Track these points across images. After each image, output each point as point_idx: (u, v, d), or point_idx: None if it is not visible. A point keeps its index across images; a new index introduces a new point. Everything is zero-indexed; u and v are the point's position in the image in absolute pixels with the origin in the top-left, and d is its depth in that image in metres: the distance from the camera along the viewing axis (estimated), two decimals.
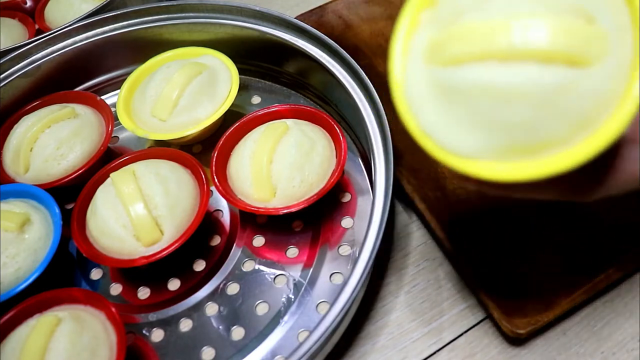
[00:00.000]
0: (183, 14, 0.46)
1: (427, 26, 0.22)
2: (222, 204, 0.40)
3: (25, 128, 0.40)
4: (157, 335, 0.35)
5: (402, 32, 0.23)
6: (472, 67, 0.19)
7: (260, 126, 0.39)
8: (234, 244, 0.38)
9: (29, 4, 0.58)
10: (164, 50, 0.45)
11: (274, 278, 0.36)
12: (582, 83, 0.18)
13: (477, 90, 0.19)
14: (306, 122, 0.39)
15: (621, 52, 0.19)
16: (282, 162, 0.35)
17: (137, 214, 0.34)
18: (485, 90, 0.19)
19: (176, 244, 0.34)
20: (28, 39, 0.50)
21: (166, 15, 0.46)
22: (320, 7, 0.52)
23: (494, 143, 0.20)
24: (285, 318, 0.34)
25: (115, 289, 0.37)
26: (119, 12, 0.46)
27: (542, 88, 0.18)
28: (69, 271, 0.38)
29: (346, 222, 0.38)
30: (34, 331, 0.30)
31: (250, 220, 0.39)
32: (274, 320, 0.34)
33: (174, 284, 0.37)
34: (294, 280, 0.36)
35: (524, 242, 0.35)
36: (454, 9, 0.21)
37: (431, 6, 0.23)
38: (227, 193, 0.36)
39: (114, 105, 0.43)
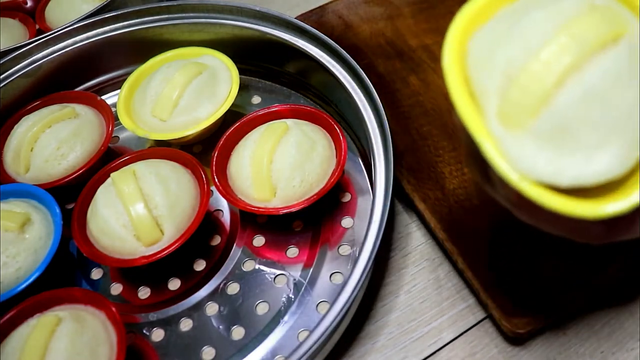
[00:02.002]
0: (183, 14, 0.46)
1: (485, 110, 0.21)
2: (223, 204, 0.41)
3: (26, 128, 0.40)
4: (157, 335, 0.35)
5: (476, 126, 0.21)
6: (562, 93, 0.19)
7: (261, 126, 0.39)
8: (234, 244, 0.38)
9: (29, 4, 0.58)
10: (164, 50, 0.45)
11: (274, 278, 0.36)
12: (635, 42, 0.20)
13: (583, 104, 0.19)
14: (306, 122, 0.39)
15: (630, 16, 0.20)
16: (282, 162, 0.36)
17: (138, 214, 0.34)
18: (589, 98, 0.19)
19: (176, 244, 0.34)
20: (29, 39, 0.50)
21: (166, 15, 0.46)
22: (320, 7, 0.52)
23: (625, 148, 0.19)
24: (286, 318, 0.34)
25: (116, 288, 0.37)
26: (119, 12, 0.46)
27: (623, 62, 0.19)
28: (69, 271, 0.38)
29: (346, 222, 0.38)
30: (34, 331, 0.30)
31: (251, 220, 0.39)
32: (274, 320, 0.34)
33: (174, 284, 0.37)
34: (294, 280, 0.36)
35: (524, 241, 0.35)
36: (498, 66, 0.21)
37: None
38: (228, 193, 0.36)
39: (115, 105, 0.43)
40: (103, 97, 0.46)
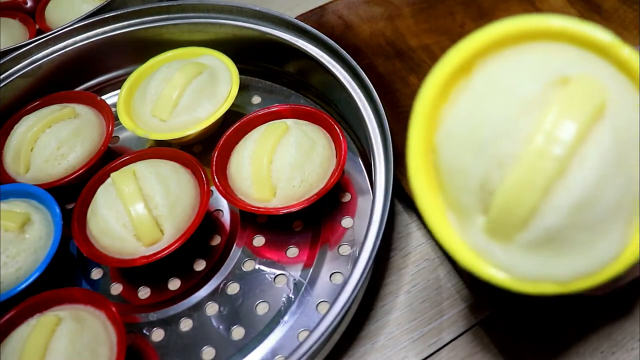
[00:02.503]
0: (183, 14, 0.46)
1: (468, 222, 0.20)
2: (223, 204, 0.41)
3: (26, 128, 0.40)
4: (157, 334, 0.35)
5: (449, 242, 0.21)
6: (548, 203, 0.18)
7: (261, 126, 0.39)
8: (234, 244, 0.38)
9: (29, 4, 0.58)
10: (164, 50, 0.45)
11: (274, 278, 0.36)
12: (619, 118, 0.18)
13: (573, 211, 0.18)
14: (306, 122, 0.39)
15: (611, 77, 0.18)
16: (282, 162, 0.36)
17: (138, 214, 0.34)
18: (578, 203, 0.18)
19: (176, 244, 0.34)
20: (29, 39, 0.50)
21: (166, 15, 0.46)
22: (320, 7, 0.52)
23: (622, 231, 0.18)
24: (286, 318, 0.34)
25: (116, 288, 0.37)
26: (119, 12, 0.46)
27: (608, 151, 0.17)
28: (69, 271, 0.38)
29: (346, 222, 0.38)
30: (34, 331, 0.30)
31: (251, 220, 0.39)
32: (274, 320, 0.34)
33: (174, 284, 0.37)
34: (294, 280, 0.36)
35: None
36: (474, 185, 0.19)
37: (451, 207, 0.21)
38: (228, 193, 0.36)
39: (115, 105, 0.43)
40: (103, 97, 0.45)
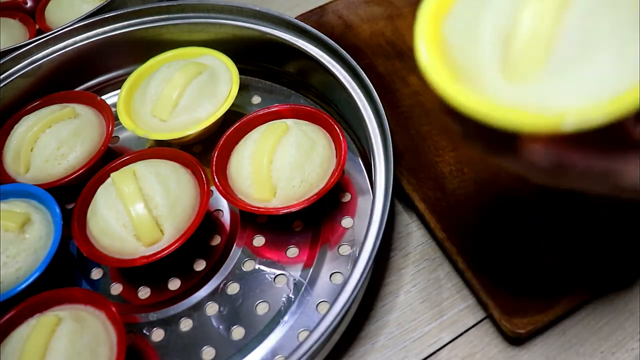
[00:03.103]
0: (183, 14, 0.46)
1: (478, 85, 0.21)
2: (223, 204, 0.41)
3: (26, 128, 0.40)
4: (157, 334, 0.35)
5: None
6: (560, 34, 0.19)
7: (261, 126, 0.39)
8: (234, 244, 0.38)
9: (29, 4, 0.58)
10: (164, 50, 0.45)
11: (274, 278, 0.36)
12: None
13: (579, 31, 0.19)
14: (306, 122, 0.39)
15: None
16: (282, 162, 0.36)
17: (138, 214, 0.34)
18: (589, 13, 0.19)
19: (176, 244, 0.34)
20: (29, 39, 0.50)
21: (166, 15, 0.46)
22: (320, 7, 0.52)
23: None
24: (286, 318, 0.34)
25: (116, 288, 0.37)
26: (119, 12, 0.46)
27: None
28: (69, 271, 0.38)
29: (346, 222, 0.38)
30: (34, 331, 0.30)
31: (251, 220, 0.39)
32: (274, 320, 0.34)
33: (174, 284, 0.37)
34: (294, 280, 0.36)
35: (524, 241, 0.35)
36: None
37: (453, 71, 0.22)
38: (228, 193, 0.36)
39: (115, 105, 0.43)
40: (103, 97, 0.46)
